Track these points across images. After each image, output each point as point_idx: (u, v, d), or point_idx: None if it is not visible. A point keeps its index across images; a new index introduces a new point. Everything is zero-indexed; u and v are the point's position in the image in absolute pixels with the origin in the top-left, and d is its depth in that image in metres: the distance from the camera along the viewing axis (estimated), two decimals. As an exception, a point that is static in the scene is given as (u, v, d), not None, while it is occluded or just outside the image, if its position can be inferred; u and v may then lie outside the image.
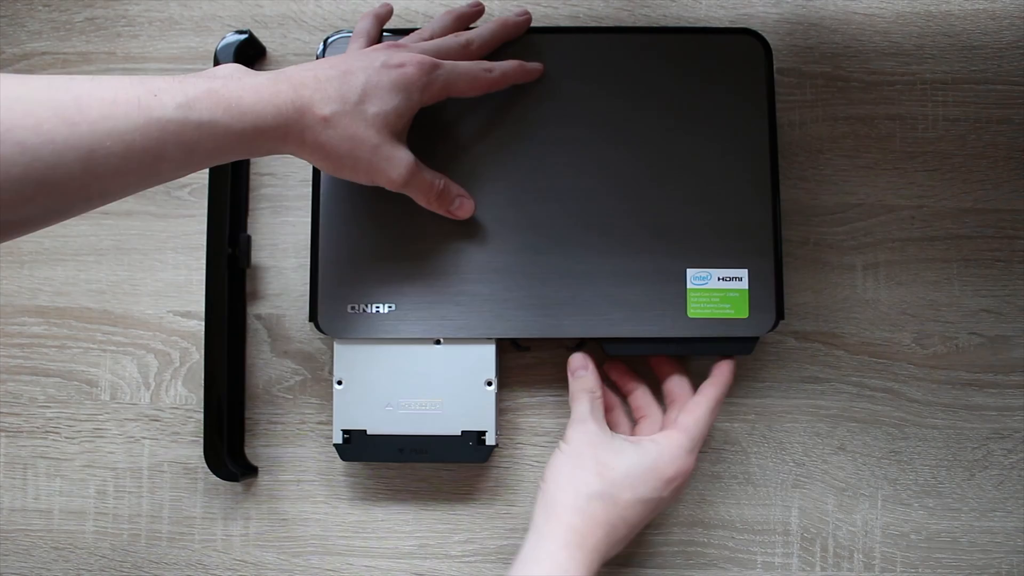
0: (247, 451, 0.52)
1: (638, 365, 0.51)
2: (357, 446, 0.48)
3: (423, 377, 0.48)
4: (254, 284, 0.53)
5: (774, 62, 0.49)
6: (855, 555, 0.51)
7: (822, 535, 0.51)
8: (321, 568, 0.51)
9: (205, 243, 0.51)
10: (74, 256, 0.54)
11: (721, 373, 0.47)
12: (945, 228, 0.52)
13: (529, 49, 0.48)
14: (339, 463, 0.52)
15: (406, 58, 0.42)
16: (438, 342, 0.49)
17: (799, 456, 0.51)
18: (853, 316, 0.52)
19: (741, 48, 0.49)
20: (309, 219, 0.49)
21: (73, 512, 0.53)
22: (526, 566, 0.41)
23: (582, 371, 0.47)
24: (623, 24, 0.54)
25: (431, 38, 0.46)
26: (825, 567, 0.51)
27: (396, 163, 0.42)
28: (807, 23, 0.54)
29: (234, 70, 0.39)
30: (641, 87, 0.49)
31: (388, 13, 0.49)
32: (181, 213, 0.54)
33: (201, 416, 0.51)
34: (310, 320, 0.48)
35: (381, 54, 0.42)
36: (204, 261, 0.51)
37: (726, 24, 0.53)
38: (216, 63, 0.51)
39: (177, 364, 0.53)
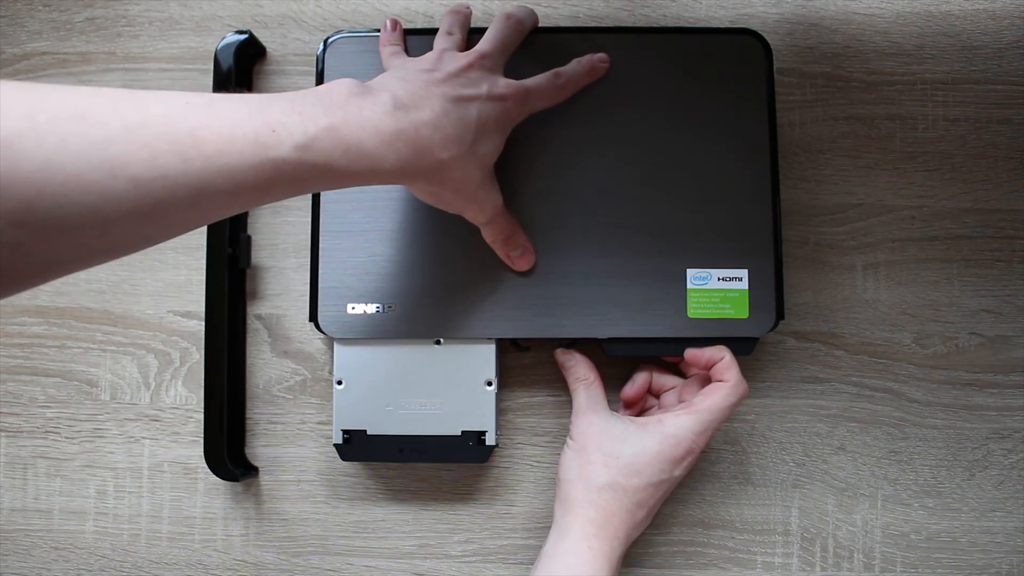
0: (247, 451, 0.52)
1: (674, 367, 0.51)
2: (357, 446, 0.48)
3: (423, 377, 0.48)
4: (254, 284, 0.53)
5: (774, 62, 0.49)
6: (855, 555, 0.51)
7: (822, 535, 0.51)
8: (321, 568, 0.51)
9: (205, 243, 0.51)
10: (74, 256, 0.54)
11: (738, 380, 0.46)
12: (945, 228, 0.52)
13: (529, 49, 0.48)
14: (339, 463, 0.52)
15: (506, 89, 0.42)
16: (438, 342, 0.49)
17: (799, 456, 0.51)
18: (853, 316, 0.52)
19: (741, 48, 0.49)
20: (309, 219, 0.49)
21: (73, 512, 0.53)
22: (550, 562, 0.42)
23: (569, 361, 0.48)
24: (623, 24, 0.54)
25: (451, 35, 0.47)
26: (825, 567, 0.51)
27: (487, 203, 0.44)
28: (807, 23, 0.54)
29: (349, 95, 0.36)
30: (641, 87, 0.49)
31: (470, 14, 0.49)
32: (181, 213, 0.54)
33: (201, 416, 0.51)
34: (310, 320, 0.48)
35: (483, 79, 0.42)
36: (204, 261, 0.51)
37: (726, 24, 0.53)
38: (216, 63, 0.51)
39: (177, 364, 0.53)
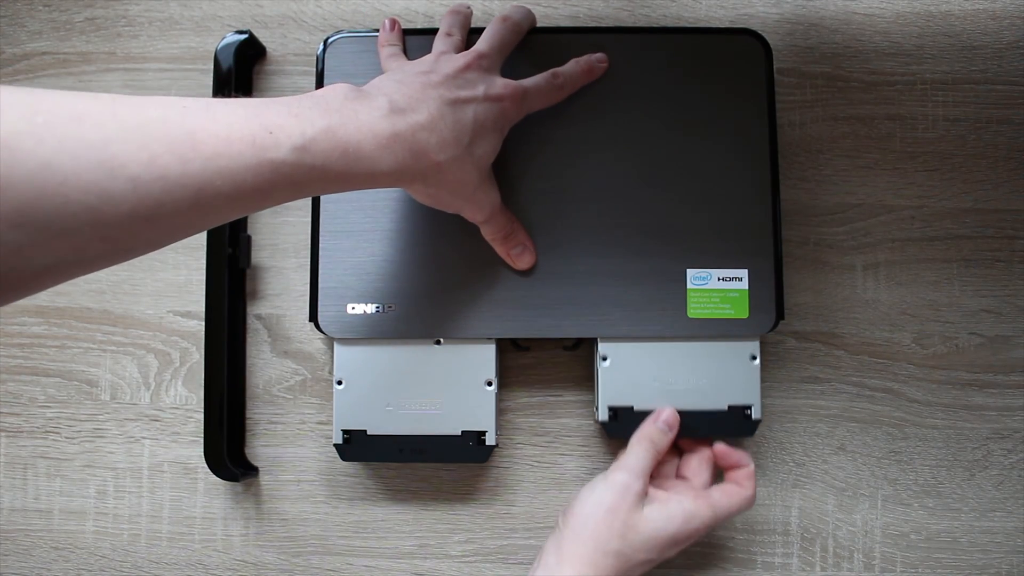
0: (247, 451, 0.52)
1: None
2: (357, 446, 0.48)
3: (423, 377, 0.48)
4: (254, 284, 0.53)
5: (774, 62, 0.49)
6: (855, 555, 0.51)
7: (822, 535, 0.51)
8: (321, 568, 0.51)
9: (205, 243, 0.51)
10: (74, 256, 0.54)
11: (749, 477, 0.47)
12: (945, 228, 0.52)
13: (529, 49, 0.48)
14: (339, 463, 0.52)
15: (503, 89, 0.42)
16: (438, 342, 0.49)
17: (799, 456, 0.51)
18: (853, 316, 0.52)
19: (741, 48, 0.49)
20: (309, 219, 0.49)
21: (73, 512, 0.53)
22: None
23: (666, 429, 0.47)
24: (623, 24, 0.54)
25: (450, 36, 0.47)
26: (825, 567, 0.51)
27: (485, 203, 0.44)
28: (807, 23, 0.54)
29: (344, 99, 0.37)
30: (641, 87, 0.49)
31: (471, 14, 0.49)
32: (181, 213, 0.54)
33: (201, 416, 0.51)
34: (310, 320, 0.48)
35: (480, 80, 0.42)
36: (204, 261, 0.51)
37: (726, 24, 0.53)
38: (216, 63, 0.51)
39: (177, 364, 0.53)
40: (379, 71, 0.47)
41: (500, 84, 0.42)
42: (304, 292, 0.51)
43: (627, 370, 0.48)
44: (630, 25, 0.54)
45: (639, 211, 0.48)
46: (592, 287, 0.47)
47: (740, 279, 0.47)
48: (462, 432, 0.48)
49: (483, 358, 0.48)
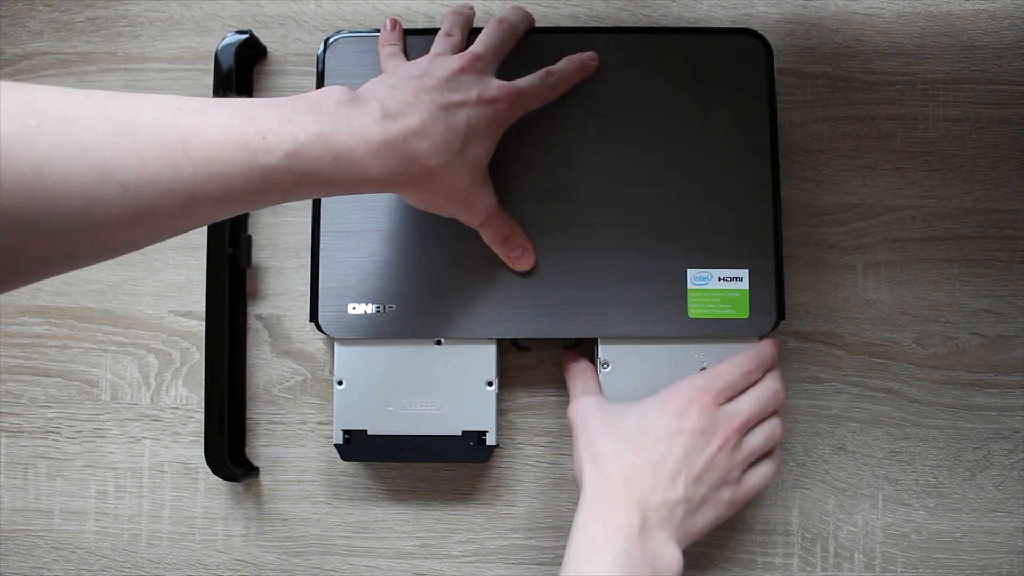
0: (248, 451, 0.52)
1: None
2: (358, 446, 0.48)
3: (424, 377, 0.48)
4: (255, 284, 0.53)
5: (775, 62, 0.49)
6: (856, 555, 0.51)
7: (823, 535, 0.51)
8: (322, 568, 0.51)
9: (206, 243, 0.51)
10: (75, 256, 0.54)
11: (765, 346, 0.47)
12: (946, 228, 0.52)
13: (530, 49, 0.48)
14: (340, 463, 0.52)
15: (497, 91, 0.42)
16: (439, 342, 0.49)
17: (799, 456, 0.51)
18: (854, 316, 0.52)
19: (742, 48, 0.49)
20: (310, 219, 0.49)
21: (74, 512, 0.53)
22: (566, 556, 0.40)
23: (572, 363, 0.49)
24: (624, 24, 0.54)
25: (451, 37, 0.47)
26: (826, 567, 0.51)
27: (480, 206, 0.44)
28: (808, 23, 0.54)
29: (338, 103, 0.37)
30: (642, 87, 0.49)
31: (472, 15, 0.49)
32: (182, 213, 0.54)
33: (202, 416, 0.52)
34: (311, 320, 0.48)
35: (474, 83, 0.42)
36: (205, 261, 0.51)
37: (727, 24, 0.53)
38: (217, 63, 0.51)
39: (178, 364, 0.53)
40: (379, 71, 0.47)
41: (494, 86, 0.42)
42: (305, 292, 0.51)
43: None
44: (631, 25, 0.54)
45: (640, 211, 0.48)
46: (593, 287, 0.47)
47: (741, 279, 0.47)
48: (463, 432, 0.48)
49: (484, 358, 0.48)
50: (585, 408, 0.45)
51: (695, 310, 0.47)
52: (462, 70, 0.42)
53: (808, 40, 0.54)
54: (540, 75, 0.46)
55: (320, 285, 0.48)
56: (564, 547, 0.41)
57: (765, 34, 0.49)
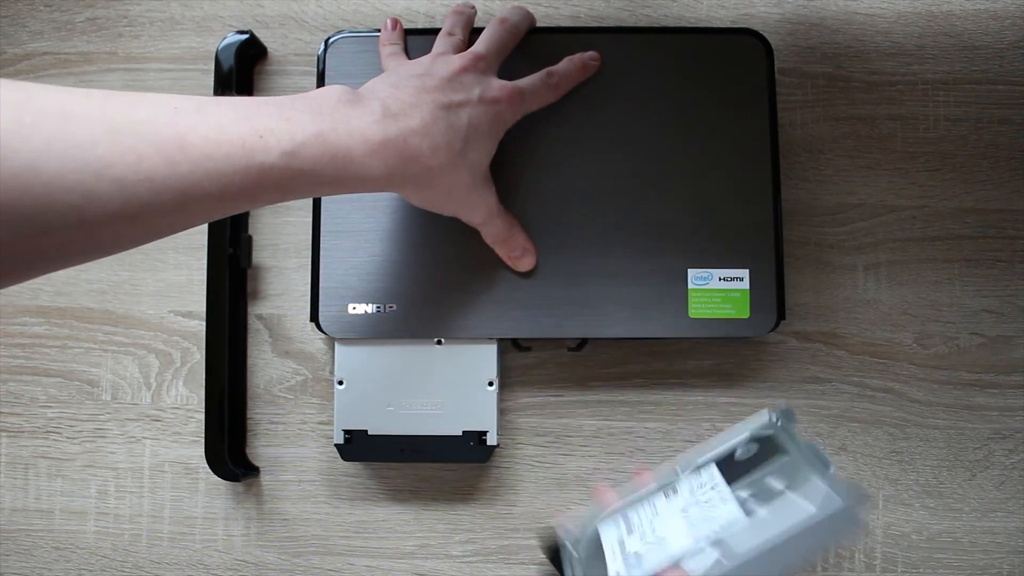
0: (248, 451, 0.52)
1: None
2: (358, 446, 0.48)
3: (424, 377, 0.48)
4: (255, 284, 0.53)
5: (775, 62, 0.49)
6: (856, 555, 0.51)
7: (823, 535, 0.51)
8: (322, 568, 0.51)
9: (206, 243, 0.51)
10: (75, 256, 0.54)
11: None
12: (946, 228, 0.52)
13: (530, 49, 0.48)
14: (340, 463, 0.52)
15: (498, 92, 0.42)
16: (439, 342, 0.49)
17: (800, 456, 0.51)
18: (854, 316, 0.52)
19: (742, 48, 0.49)
20: (310, 219, 0.49)
21: (74, 512, 0.53)
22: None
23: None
24: (624, 24, 0.54)
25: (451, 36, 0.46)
26: (826, 567, 0.51)
27: (480, 206, 0.44)
28: (808, 23, 0.54)
29: (338, 102, 0.36)
30: (642, 87, 0.49)
31: (474, 14, 0.49)
32: (182, 213, 0.54)
33: (202, 416, 0.52)
34: (311, 320, 0.48)
35: (476, 83, 0.41)
36: (205, 261, 0.51)
37: (727, 24, 0.53)
38: (217, 63, 0.51)
39: (178, 364, 0.53)
40: (380, 71, 0.47)
41: (496, 86, 0.42)
42: (305, 292, 0.51)
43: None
44: (631, 25, 0.54)
45: (640, 211, 0.48)
46: (593, 287, 0.47)
47: (741, 279, 0.47)
48: (463, 432, 0.48)
49: (484, 358, 0.48)
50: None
51: (695, 310, 0.47)
52: (464, 69, 0.42)
53: (809, 40, 0.54)
54: (541, 75, 0.46)
55: (320, 285, 0.48)
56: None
57: (765, 34, 0.49)
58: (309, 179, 0.35)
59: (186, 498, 0.52)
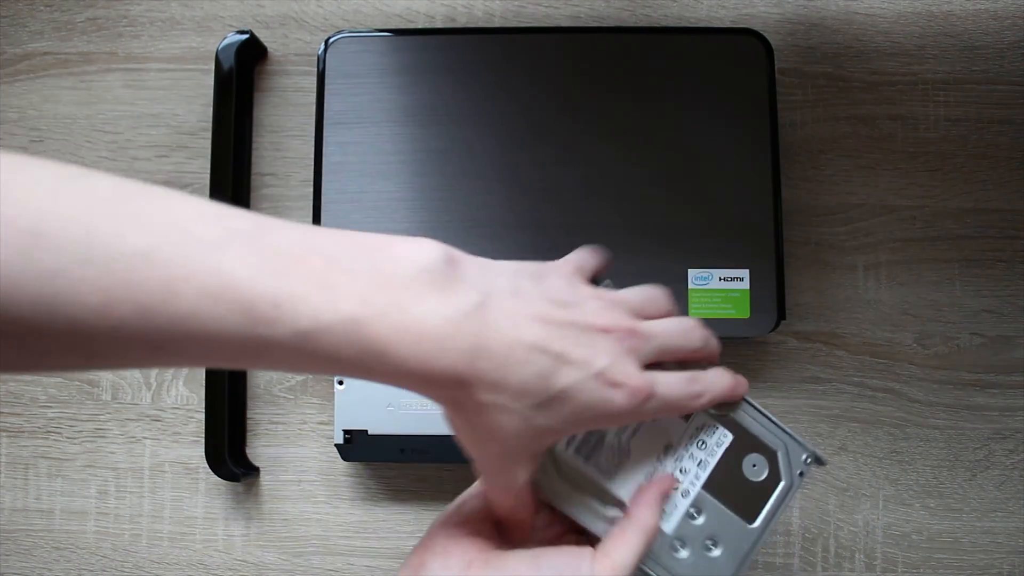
0: (248, 451, 0.52)
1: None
2: (358, 446, 0.48)
3: (424, 377, 0.48)
4: (255, 284, 0.53)
5: (776, 62, 0.49)
6: (856, 555, 0.51)
7: (823, 535, 0.51)
8: (322, 568, 0.51)
9: (206, 243, 0.51)
10: (75, 256, 0.54)
11: (650, 498, 0.33)
12: (946, 228, 0.52)
13: (531, 49, 0.48)
14: (340, 463, 0.52)
15: (626, 377, 0.30)
16: (439, 342, 0.48)
17: (800, 456, 0.51)
18: (854, 316, 0.52)
19: (743, 48, 0.49)
20: (311, 220, 0.49)
21: (74, 512, 0.53)
22: None
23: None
24: (624, 24, 0.54)
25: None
26: (827, 567, 0.51)
27: (504, 483, 0.33)
28: (808, 23, 0.54)
29: (414, 279, 0.28)
30: (643, 87, 0.49)
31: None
32: (182, 213, 0.54)
33: (202, 416, 0.51)
34: (311, 320, 0.48)
35: (606, 351, 0.30)
36: (205, 261, 0.51)
37: (728, 24, 0.53)
38: (217, 63, 0.51)
39: (178, 364, 0.53)
40: (379, 71, 0.47)
41: (628, 370, 0.31)
42: (305, 292, 0.51)
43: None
44: (631, 25, 0.54)
45: (641, 211, 0.48)
46: (593, 287, 0.47)
47: (741, 279, 0.47)
48: (463, 432, 0.48)
49: (484, 358, 0.48)
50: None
51: (696, 310, 0.47)
52: (608, 330, 0.31)
53: (809, 40, 0.54)
54: (684, 378, 0.33)
55: (321, 285, 0.48)
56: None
57: (766, 34, 0.49)
58: (322, 363, 0.27)
59: (186, 498, 0.52)
